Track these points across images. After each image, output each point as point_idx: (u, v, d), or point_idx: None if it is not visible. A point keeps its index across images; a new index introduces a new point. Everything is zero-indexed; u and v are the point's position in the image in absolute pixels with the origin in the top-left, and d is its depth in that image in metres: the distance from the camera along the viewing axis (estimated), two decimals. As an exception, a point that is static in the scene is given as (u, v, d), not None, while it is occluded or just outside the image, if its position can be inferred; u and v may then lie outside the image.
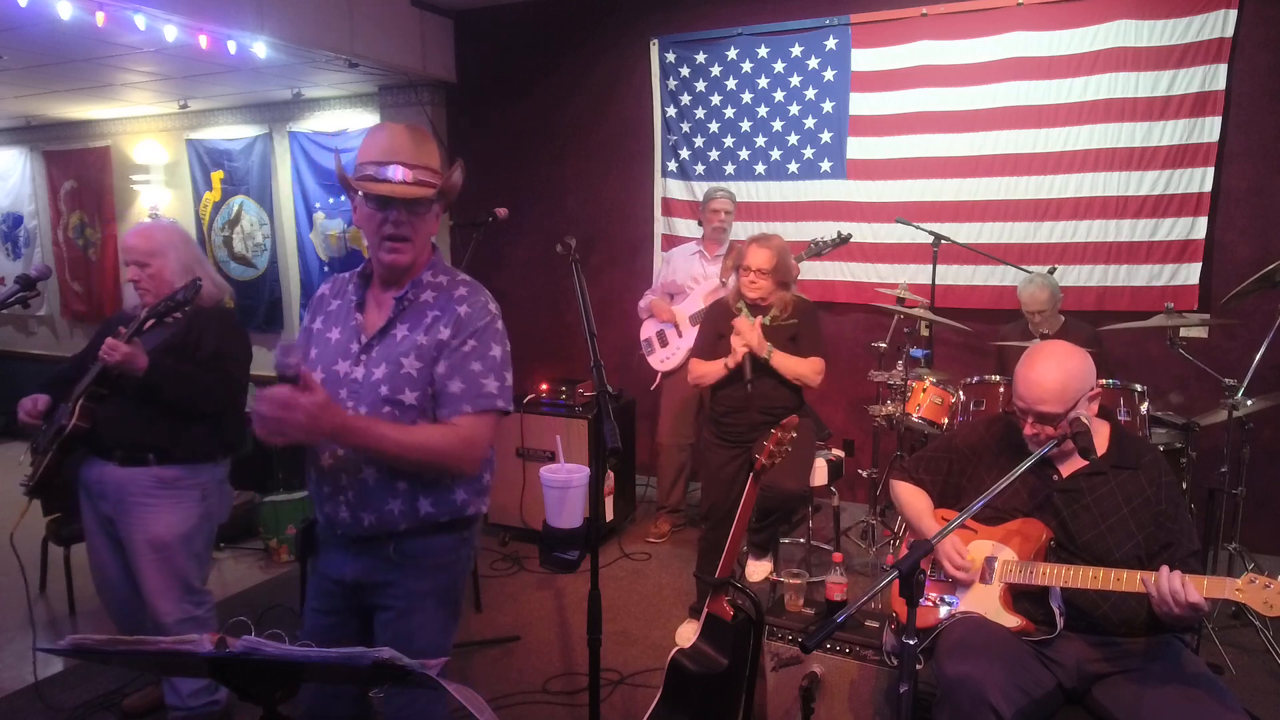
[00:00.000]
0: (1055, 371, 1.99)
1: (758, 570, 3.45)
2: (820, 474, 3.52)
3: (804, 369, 3.12)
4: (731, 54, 4.85)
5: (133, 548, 2.52)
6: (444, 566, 1.83)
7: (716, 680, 2.31)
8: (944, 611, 2.09)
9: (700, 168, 5.04)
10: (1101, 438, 2.09)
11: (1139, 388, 3.20)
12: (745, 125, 4.88)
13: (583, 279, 2.23)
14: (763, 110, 4.82)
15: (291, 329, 6.50)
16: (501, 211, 3.82)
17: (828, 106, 4.66)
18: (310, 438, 1.59)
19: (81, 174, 7.20)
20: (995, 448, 2.20)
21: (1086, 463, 2.04)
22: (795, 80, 4.71)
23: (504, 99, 5.58)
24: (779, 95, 4.77)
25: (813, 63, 4.66)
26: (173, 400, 2.46)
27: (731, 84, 4.88)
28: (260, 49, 4.37)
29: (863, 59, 4.54)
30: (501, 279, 5.58)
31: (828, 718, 2.40)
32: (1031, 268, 4.12)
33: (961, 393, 3.53)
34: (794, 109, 4.74)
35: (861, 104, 4.57)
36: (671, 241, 5.07)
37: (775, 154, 4.84)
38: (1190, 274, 4.02)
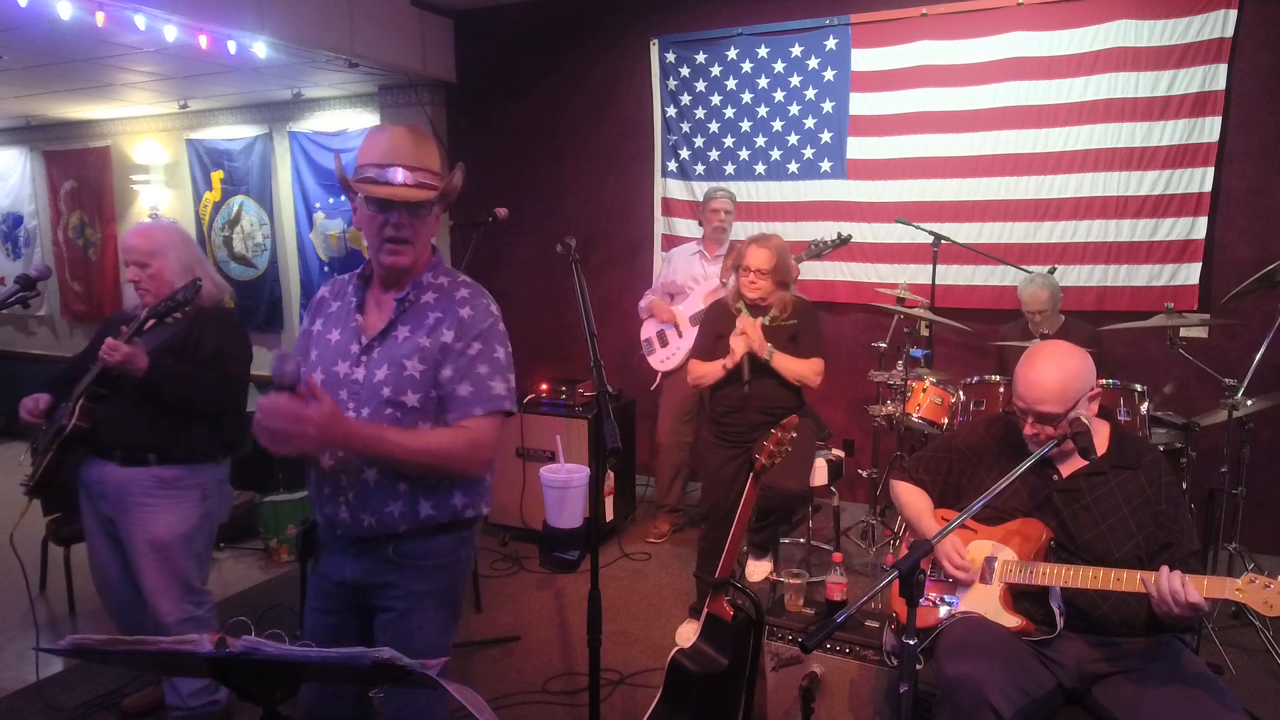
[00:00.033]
0: (1055, 371, 1.99)
1: (758, 570, 3.45)
2: (820, 474, 3.52)
3: (804, 370, 3.12)
4: (731, 54, 4.85)
5: (133, 548, 2.52)
6: (444, 567, 1.83)
7: (716, 680, 2.31)
8: (944, 611, 2.09)
9: (700, 168, 5.04)
10: (1101, 438, 2.09)
11: (1139, 388, 3.20)
12: (745, 125, 4.88)
13: (583, 279, 2.23)
14: (763, 110, 4.82)
15: (291, 329, 6.50)
16: (501, 211, 3.82)
17: (828, 106, 4.66)
18: (319, 448, 1.60)
19: (81, 174, 7.20)
20: (995, 448, 2.20)
21: (1086, 463, 2.04)
22: (795, 80, 4.71)
23: (504, 99, 5.58)
24: (779, 95, 4.77)
25: (813, 63, 4.66)
26: (173, 400, 2.46)
27: (731, 84, 4.88)
28: (260, 49, 4.37)
29: (863, 59, 4.54)
30: (501, 279, 5.58)
31: (828, 718, 2.40)
32: (1031, 268, 4.12)
33: (961, 393, 3.53)
34: (794, 109, 4.74)
35: (861, 104, 4.57)
36: (671, 241, 5.07)
37: (775, 154, 4.84)
38: (1190, 274, 4.02)
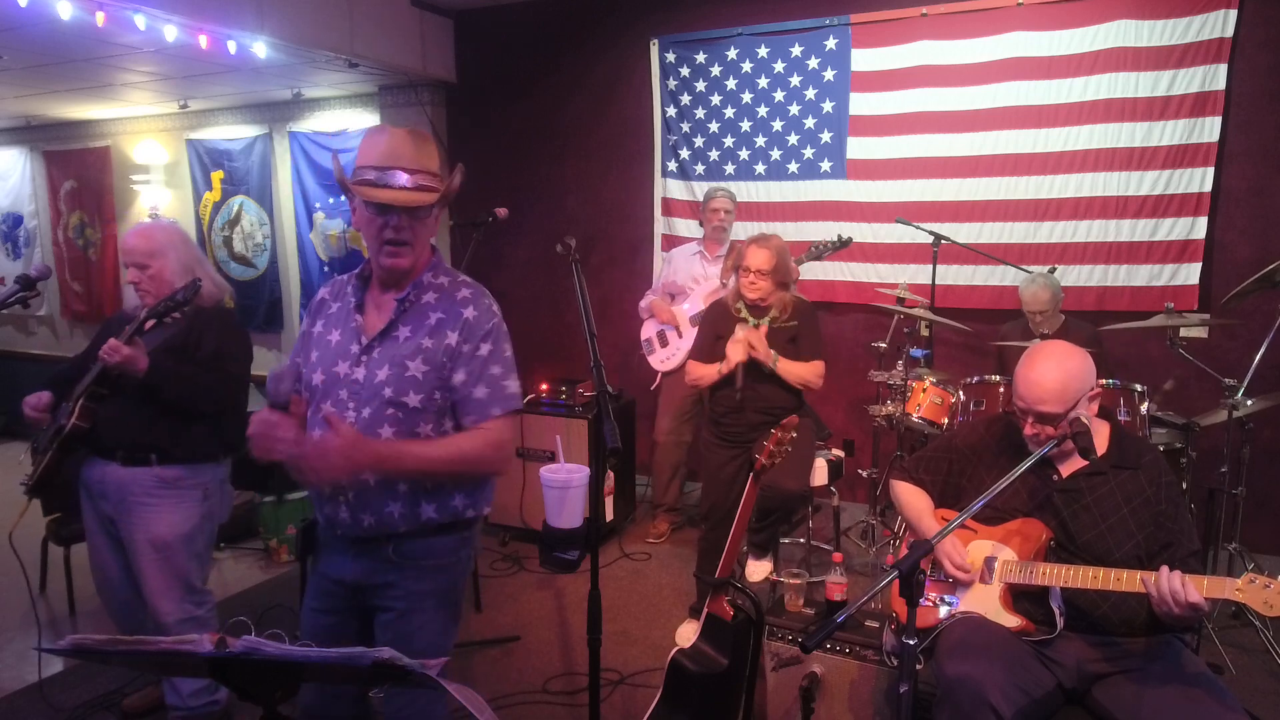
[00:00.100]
0: (1055, 371, 1.99)
1: (758, 570, 3.45)
2: (820, 474, 3.52)
3: (807, 374, 3.13)
4: (731, 54, 4.85)
5: (134, 547, 2.52)
6: (444, 567, 1.83)
7: (716, 680, 2.31)
8: (944, 611, 2.09)
9: (700, 168, 5.04)
10: (1101, 438, 2.09)
11: (1139, 388, 3.20)
12: (745, 125, 4.89)
13: (583, 279, 2.23)
14: (763, 110, 4.82)
15: (291, 329, 6.50)
16: (501, 211, 3.82)
17: (828, 106, 4.66)
18: (349, 476, 1.61)
19: (81, 174, 7.20)
20: (995, 448, 2.20)
21: (1086, 463, 2.04)
22: (795, 80, 4.71)
23: (504, 99, 5.58)
24: (779, 95, 4.77)
25: (813, 63, 4.66)
26: (173, 400, 2.46)
27: (731, 84, 4.88)
28: (260, 49, 4.37)
29: (863, 59, 4.54)
30: (501, 279, 5.58)
31: (828, 718, 2.41)
32: (1032, 268, 4.12)
33: (961, 393, 3.53)
34: (794, 109, 4.74)
35: (861, 104, 4.57)
36: (671, 241, 5.07)
37: (775, 154, 4.84)
38: (1190, 274, 4.02)
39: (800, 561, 3.79)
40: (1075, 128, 4.15)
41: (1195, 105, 3.92)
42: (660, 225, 5.22)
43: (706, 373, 3.19)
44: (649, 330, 4.49)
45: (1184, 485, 3.24)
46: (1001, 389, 3.43)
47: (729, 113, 4.91)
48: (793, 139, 4.77)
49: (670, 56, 5.01)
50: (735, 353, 3.06)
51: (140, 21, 3.82)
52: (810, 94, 4.69)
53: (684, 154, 5.07)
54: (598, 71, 5.28)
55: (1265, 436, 3.88)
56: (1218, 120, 3.90)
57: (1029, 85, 4.20)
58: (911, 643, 1.57)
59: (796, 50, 4.68)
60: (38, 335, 7.84)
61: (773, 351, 3.07)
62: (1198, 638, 2.94)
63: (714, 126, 4.97)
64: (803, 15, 4.64)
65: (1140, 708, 1.82)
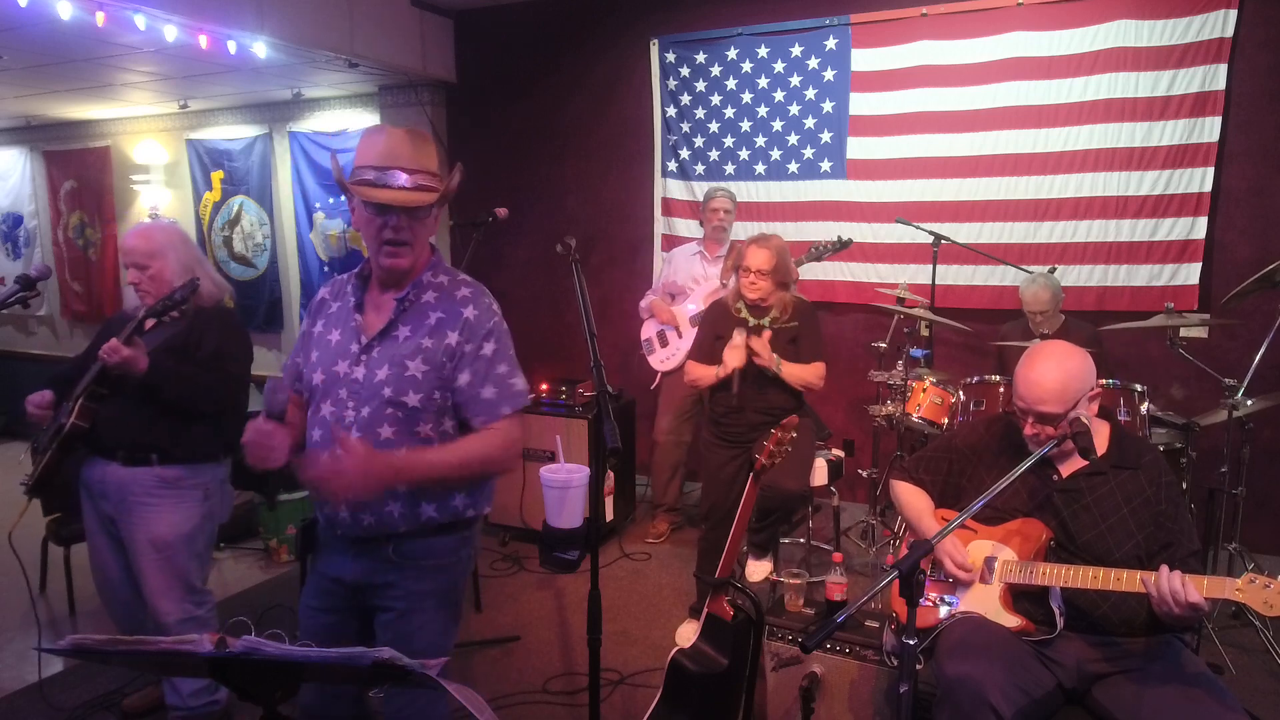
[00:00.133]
0: (1055, 371, 1.99)
1: (758, 570, 3.45)
2: (820, 474, 3.52)
3: (809, 376, 3.12)
4: (731, 54, 4.85)
5: (135, 547, 2.52)
6: (444, 567, 1.83)
7: (716, 680, 2.31)
8: (944, 611, 2.09)
9: (700, 168, 5.04)
10: (1101, 438, 2.09)
11: (1139, 388, 3.20)
12: (745, 125, 4.89)
13: (583, 279, 2.23)
14: (763, 110, 4.82)
15: (291, 329, 6.50)
16: (501, 211, 3.82)
17: (828, 106, 4.66)
18: (371, 493, 1.62)
19: (81, 174, 7.20)
20: (995, 448, 2.20)
21: (1086, 463, 2.04)
22: (795, 80, 4.71)
23: (504, 99, 5.58)
24: (779, 95, 4.77)
25: (813, 63, 4.66)
26: (173, 400, 2.45)
27: (731, 84, 4.88)
28: (260, 49, 4.37)
29: (863, 59, 4.54)
30: (501, 279, 5.58)
31: (828, 718, 2.40)
32: (1032, 268, 4.12)
33: (961, 393, 3.53)
34: (794, 109, 4.74)
35: (861, 104, 4.57)
36: (672, 241, 5.07)
37: (775, 154, 4.84)
38: (1190, 274, 4.02)
39: (800, 561, 3.79)
40: (1075, 128, 4.15)
41: (1195, 105, 3.92)
42: (660, 225, 5.22)
43: (704, 374, 3.19)
44: (649, 330, 4.49)
45: (1184, 485, 3.24)
46: (1001, 389, 3.43)
47: (729, 113, 4.91)
48: (793, 139, 4.77)
49: (670, 56, 5.01)
50: (732, 359, 3.06)
51: (140, 21, 3.82)
52: (810, 94, 4.69)
53: (684, 154, 5.07)
54: (598, 71, 5.28)
55: (1265, 436, 3.87)
56: (1218, 120, 3.90)
57: (1029, 85, 4.20)
58: (911, 643, 1.57)
59: (796, 50, 4.68)
60: (38, 335, 7.84)
61: (776, 356, 3.07)
62: (1198, 638, 2.94)
63: (714, 126, 4.97)
64: (803, 15, 4.64)
65: (1140, 708, 1.82)
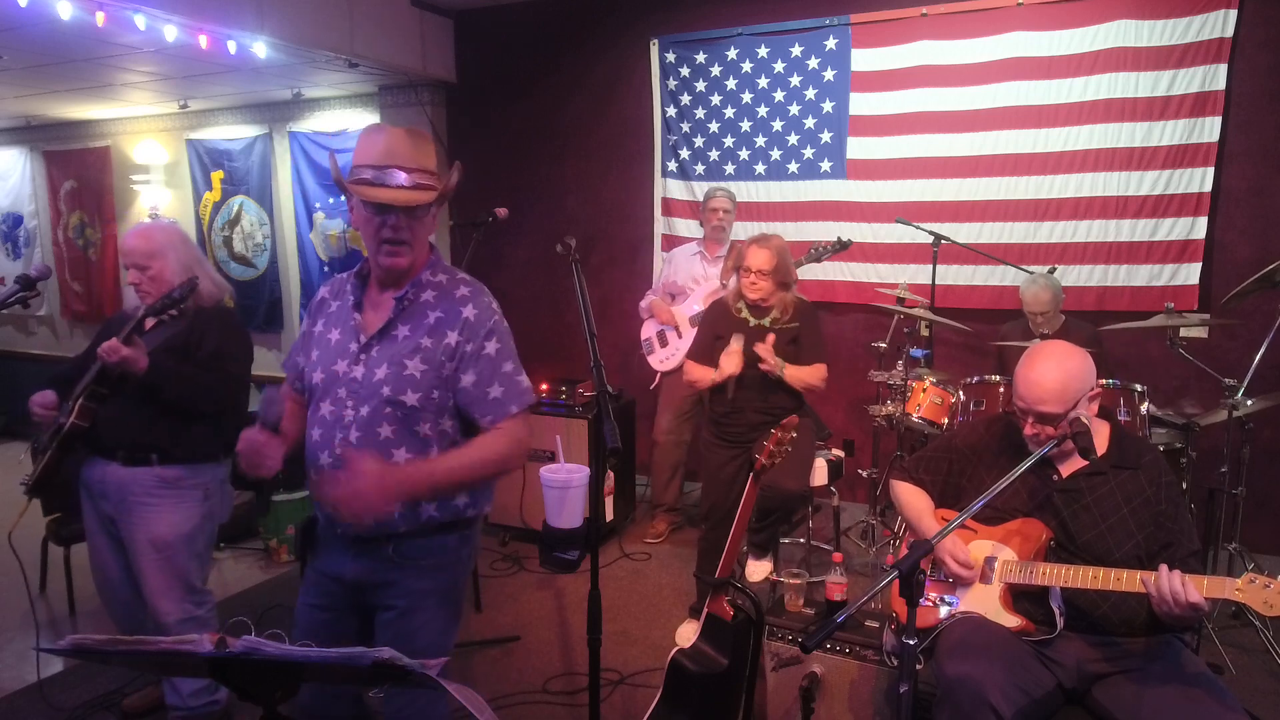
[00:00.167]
0: (1055, 371, 1.99)
1: (758, 570, 3.44)
2: (820, 474, 3.52)
3: (811, 377, 3.12)
4: (731, 54, 4.85)
5: (135, 547, 2.52)
6: (444, 567, 1.83)
7: (716, 680, 2.31)
8: (944, 611, 2.09)
9: (700, 168, 5.04)
10: (1101, 438, 2.09)
11: (1139, 388, 3.20)
12: (745, 125, 4.89)
13: (583, 279, 2.23)
14: (763, 110, 4.82)
15: (291, 329, 6.50)
16: (501, 211, 3.82)
17: (828, 106, 4.66)
18: (388, 507, 1.61)
19: (81, 174, 7.20)
20: (995, 448, 2.20)
21: (1086, 463, 2.04)
22: (795, 80, 4.71)
23: (504, 99, 5.58)
24: (779, 95, 4.77)
25: (813, 63, 4.66)
26: (173, 400, 2.45)
27: (731, 84, 4.88)
28: (260, 49, 4.37)
29: (863, 59, 4.54)
30: (501, 279, 5.58)
31: (828, 718, 2.40)
32: (1032, 268, 4.12)
33: (961, 393, 3.53)
34: (794, 109, 4.74)
35: (861, 104, 4.57)
36: (672, 241, 5.07)
37: (775, 154, 4.84)
38: (1190, 274, 4.02)
39: (800, 561, 3.79)
40: (1075, 128, 4.15)
41: (1195, 105, 3.92)
42: (660, 225, 5.22)
43: (702, 375, 3.19)
44: (649, 330, 4.49)
45: (1184, 485, 3.24)
46: (1001, 389, 3.43)
47: (729, 113, 4.91)
48: (793, 139, 4.77)
49: (670, 56, 5.01)
50: (728, 364, 3.06)
51: (140, 21, 3.82)
52: (810, 94, 4.69)
53: (684, 154, 5.07)
54: (598, 71, 5.28)
55: (1265, 436, 3.88)
56: (1218, 120, 3.90)
57: (1029, 85, 4.20)
58: (911, 643, 1.57)
59: (796, 50, 4.68)
60: (38, 335, 7.84)
61: (779, 359, 3.07)
62: (1198, 638, 2.94)
63: (714, 126, 4.97)
64: (803, 15, 4.64)
65: (1140, 708, 1.82)
